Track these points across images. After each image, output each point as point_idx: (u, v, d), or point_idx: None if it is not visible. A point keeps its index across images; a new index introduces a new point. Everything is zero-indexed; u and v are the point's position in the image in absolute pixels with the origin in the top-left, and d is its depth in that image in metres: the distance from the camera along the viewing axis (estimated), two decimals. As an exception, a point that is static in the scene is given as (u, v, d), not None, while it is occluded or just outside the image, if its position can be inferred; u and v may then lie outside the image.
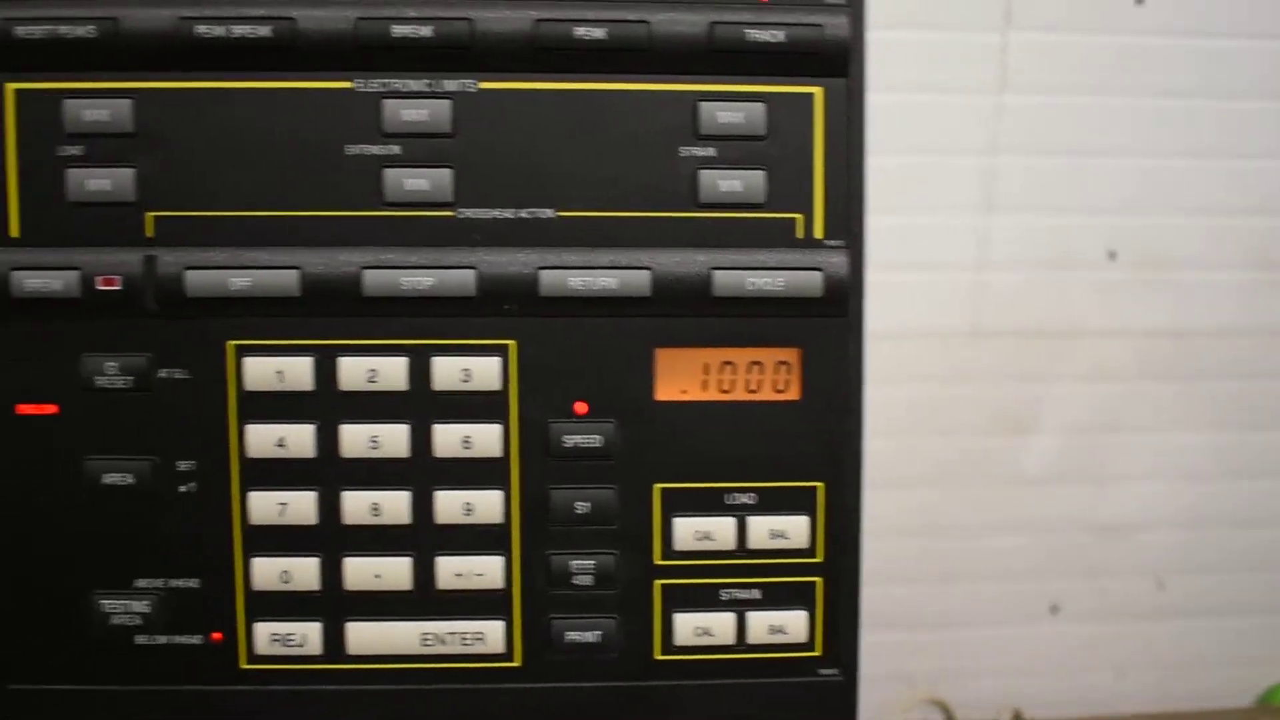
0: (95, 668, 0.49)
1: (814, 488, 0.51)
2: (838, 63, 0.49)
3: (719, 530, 0.50)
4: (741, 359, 0.50)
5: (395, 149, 0.48)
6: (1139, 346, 1.23)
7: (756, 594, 0.51)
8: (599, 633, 0.50)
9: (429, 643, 0.50)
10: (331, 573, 0.49)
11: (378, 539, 0.49)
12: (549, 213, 0.49)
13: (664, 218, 0.49)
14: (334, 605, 0.49)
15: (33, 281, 0.47)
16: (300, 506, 0.49)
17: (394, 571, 0.49)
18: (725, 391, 0.50)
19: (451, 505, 0.49)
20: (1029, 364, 1.22)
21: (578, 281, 0.49)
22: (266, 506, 0.49)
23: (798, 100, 0.49)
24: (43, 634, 0.49)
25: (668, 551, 0.50)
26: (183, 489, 0.49)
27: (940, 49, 1.16)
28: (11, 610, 0.49)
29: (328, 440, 0.49)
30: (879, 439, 0.67)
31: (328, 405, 0.49)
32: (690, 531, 0.50)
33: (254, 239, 0.48)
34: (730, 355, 0.50)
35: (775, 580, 0.51)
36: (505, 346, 0.49)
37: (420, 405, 0.49)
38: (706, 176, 0.49)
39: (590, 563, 0.50)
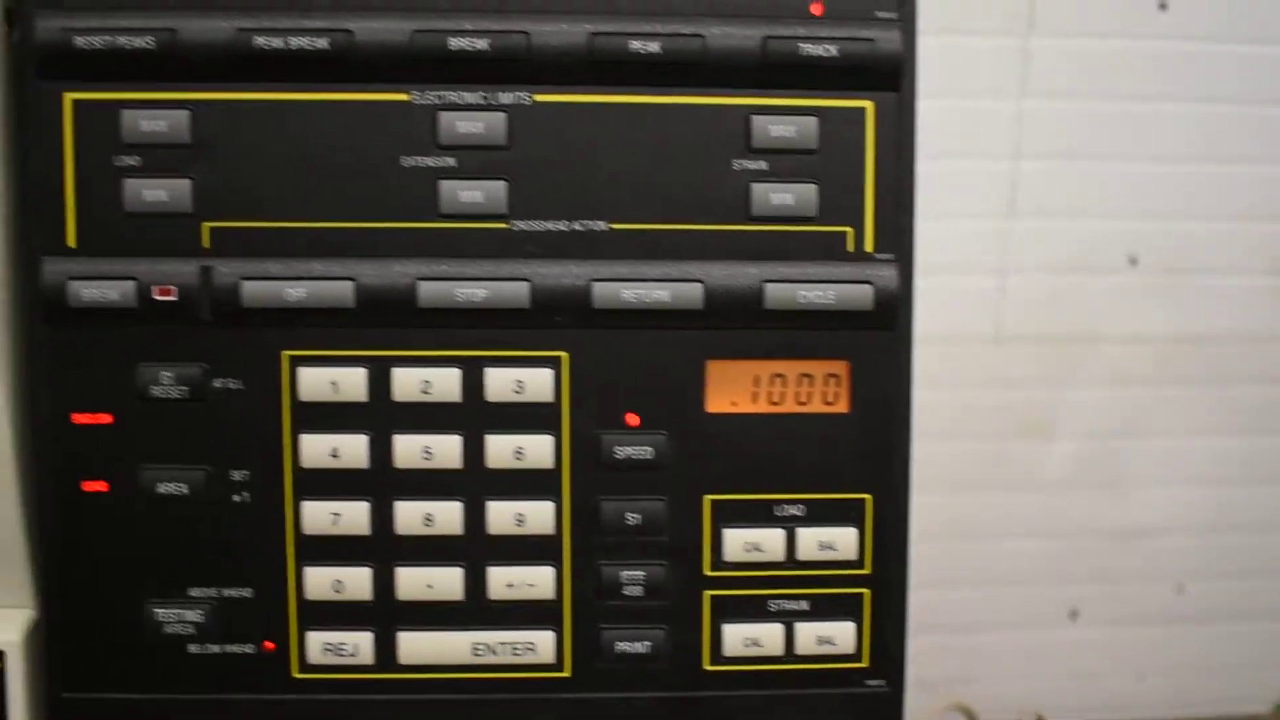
0: (148, 676, 0.50)
1: (862, 500, 0.51)
2: (889, 76, 0.49)
3: (768, 541, 0.51)
4: (791, 371, 0.50)
5: (450, 161, 0.48)
6: (1159, 351, 1.23)
7: (805, 605, 0.51)
8: (648, 643, 0.51)
9: (480, 652, 0.50)
10: (384, 582, 0.50)
11: (430, 549, 0.49)
12: (602, 225, 0.49)
13: (716, 230, 0.49)
14: (386, 615, 0.50)
15: (90, 291, 0.47)
16: (353, 516, 0.49)
17: (446, 581, 0.50)
18: (775, 403, 0.50)
19: (503, 516, 0.50)
20: (1050, 369, 1.22)
21: (630, 294, 0.49)
22: (320, 516, 0.49)
23: (849, 114, 0.49)
24: (96, 642, 0.50)
25: (717, 562, 0.51)
26: (236, 498, 0.49)
27: (963, 54, 1.16)
28: (66, 618, 0.49)
29: (381, 451, 0.49)
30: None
31: (381, 416, 0.49)
32: (740, 543, 0.51)
33: (309, 250, 0.48)
34: (780, 367, 0.50)
35: (823, 591, 0.51)
36: (558, 358, 0.49)
37: (473, 416, 0.49)
38: (759, 189, 0.49)
39: (640, 573, 0.50)
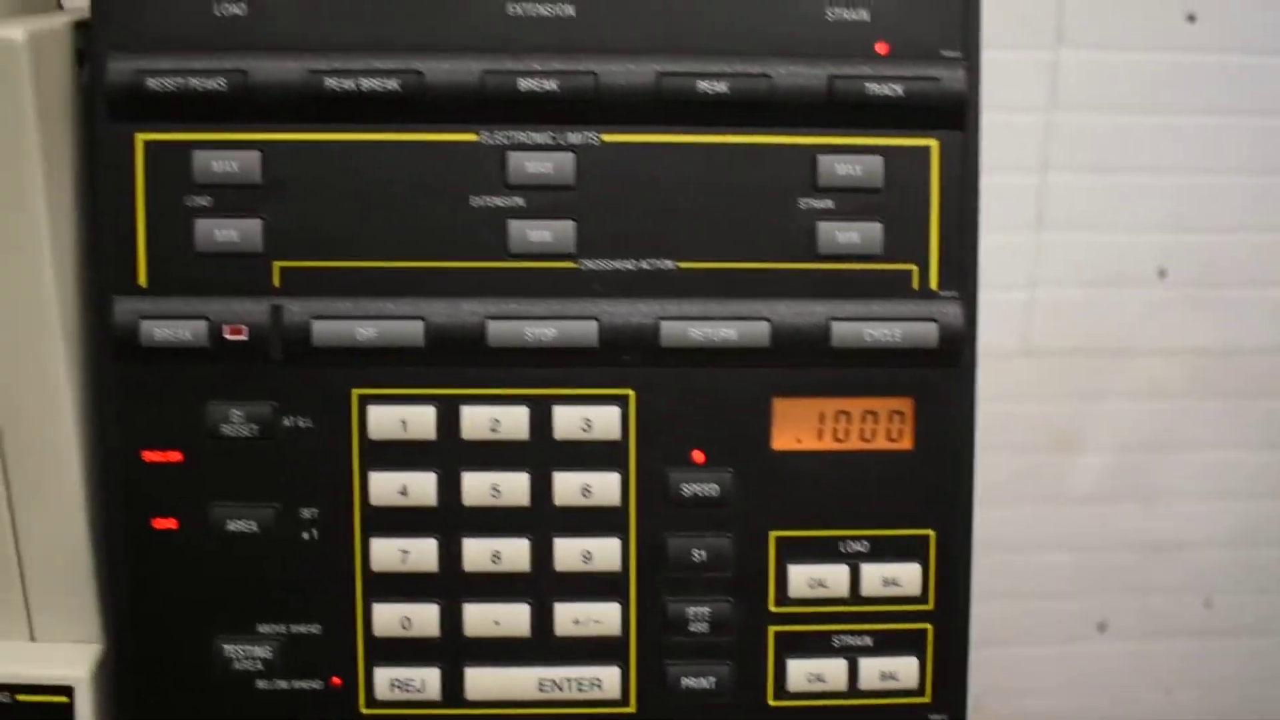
0: (216, 712, 0.50)
1: (926, 536, 0.51)
2: (954, 115, 0.50)
3: (833, 577, 0.51)
4: (856, 408, 0.51)
5: (519, 201, 0.48)
6: (1189, 364, 1.23)
7: (868, 640, 0.51)
8: (713, 679, 0.51)
9: (546, 688, 0.50)
10: (451, 619, 0.50)
11: (497, 586, 0.50)
12: (669, 264, 0.49)
13: (783, 269, 0.49)
14: (453, 651, 0.50)
15: (161, 331, 0.48)
16: (422, 553, 0.49)
17: (513, 618, 0.50)
18: (840, 440, 0.51)
19: (570, 553, 0.50)
20: (1079, 382, 1.22)
21: (698, 333, 0.49)
22: (388, 553, 0.49)
23: (914, 153, 0.50)
24: (166, 677, 0.50)
25: (782, 598, 0.51)
26: (305, 536, 0.49)
27: (992, 67, 1.16)
28: (134, 654, 0.50)
29: (449, 488, 0.49)
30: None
31: (450, 454, 0.49)
32: (804, 579, 0.51)
33: (379, 289, 0.48)
34: (845, 405, 0.51)
35: (887, 627, 0.51)
36: (625, 396, 0.50)
37: (541, 454, 0.49)
38: (825, 228, 0.49)
39: (705, 609, 0.51)
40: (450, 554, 0.49)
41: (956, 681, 0.52)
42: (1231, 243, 1.22)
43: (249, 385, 0.49)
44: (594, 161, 0.49)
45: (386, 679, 0.50)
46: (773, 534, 0.51)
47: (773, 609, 0.51)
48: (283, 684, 0.50)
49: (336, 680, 0.50)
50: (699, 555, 0.50)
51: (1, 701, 0.49)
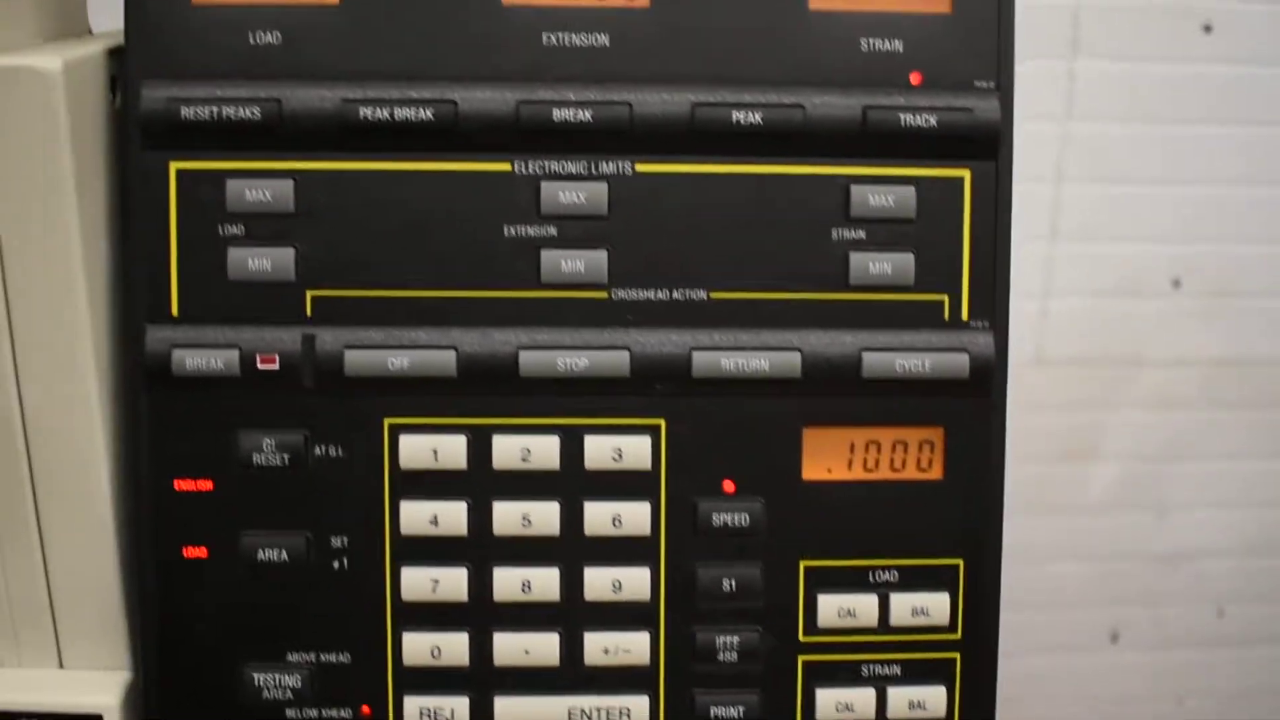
0: (247, 739, 0.50)
1: (955, 565, 0.51)
2: (987, 146, 0.49)
3: (862, 607, 0.51)
4: (886, 438, 0.51)
5: (552, 230, 0.48)
6: (1202, 375, 1.23)
7: (897, 670, 0.51)
8: (742, 708, 0.51)
9: (576, 717, 0.50)
10: (481, 648, 0.50)
11: (527, 615, 0.50)
12: (701, 294, 0.49)
13: (815, 299, 0.49)
14: (483, 680, 0.50)
15: (193, 360, 0.48)
16: (452, 583, 0.49)
17: (543, 647, 0.50)
18: (870, 470, 0.51)
19: (600, 582, 0.50)
20: (1092, 391, 1.22)
21: (729, 363, 0.49)
22: (419, 582, 0.49)
23: (947, 183, 0.49)
24: (195, 705, 0.50)
25: (811, 628, 0.51)
26: (336, 565, 0.49)
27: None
28: (164, 681, 0.50)
29: (480, 518, 0.49)
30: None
31: (481, 483, 0.49)
32: (834, 608, 0.51)
33: (411, 319, 0.48)
34: (876, 434, 0.51)
35: (915, 656, 0.51)
36: (656, 426, 0.49)
37: (572, 484, 0.49)
38: (857, 259, 0.49)
39: (735, 638, 0.51)
40: (480, 583, 0.49)
41: (984, 709, 0.52)
42: (1245, 253, 1.22)
43: (280, 414, 0.49)
44: (627, 191, 0.48)
45: (416, 708, 0.50)
46: (803, 563, 0.51)
47: (802, 638, 0.51)
48: (312, 713, 0.50)
49: (366, 709, 0.50)
50: (729, 585, 0.50)
51: (31, 729, 0.49)
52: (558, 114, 0.47)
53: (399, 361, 0.48)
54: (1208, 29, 1.18)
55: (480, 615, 0.50)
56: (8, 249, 0.47)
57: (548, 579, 0.50)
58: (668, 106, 0.48)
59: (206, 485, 0.49)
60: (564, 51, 0.48)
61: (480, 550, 0.49)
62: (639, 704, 0.51)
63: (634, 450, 0.49)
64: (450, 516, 0.49)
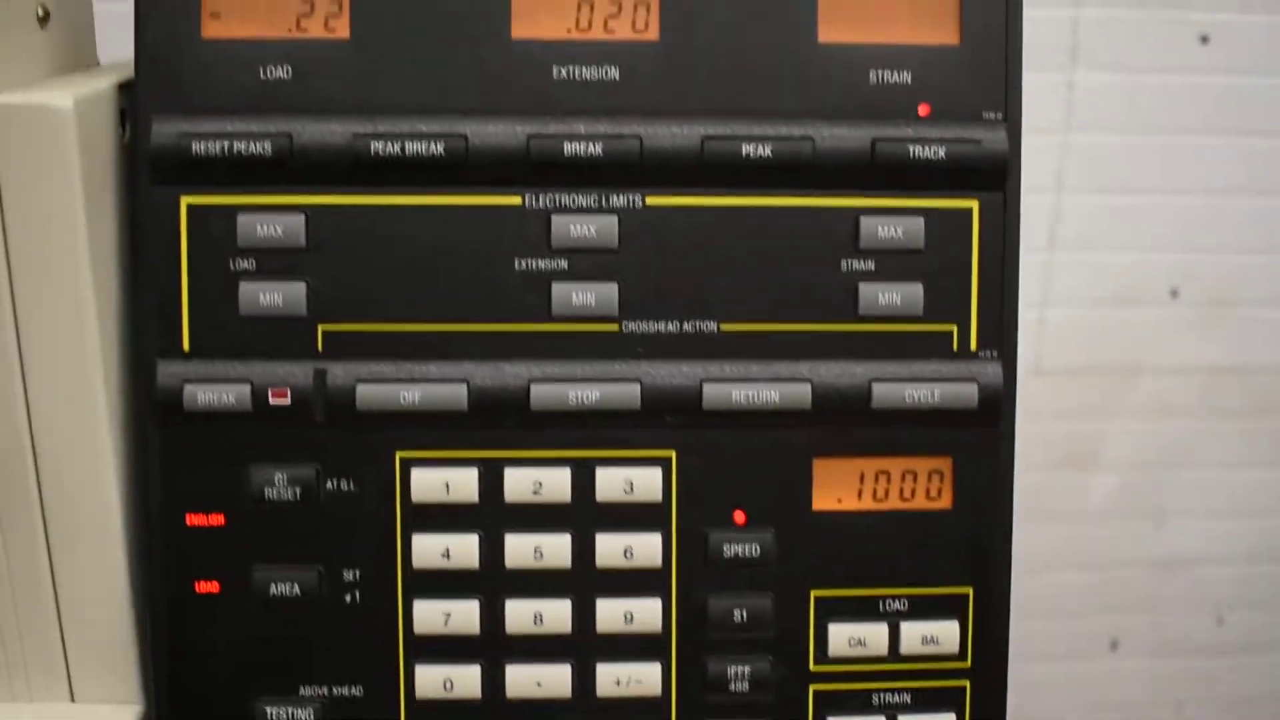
0: (258, 772, 0.50)
1: (964, 594, 0.51)
2: (995, 177, 0.50)
3: (872, 636, 0.51)
4: (896, 468, 0.51)
5: (563, 264, 0.48)
6: (1201, 383, 1.23)
7: (907, 698, 0.52)
8: None
9: (588, 748, 0.50)
10: (494, 681, 0.50)
11: (539, 647, 0.50)
12: (711, 326, 0.49)
13: (824, 330, 0.50)
14: (495, 712, 0.50)
15: (205, 395, 0.48)
16: (464, 616, 0.49)
17: (555, 679, 0.50)
18: (879, 500, 0.51)
19: (612, 614, 0.50)
20: (1091, 400, 1.23)
21: (740, 395, 0.49)
22: (431, 616, 0.49)
23: (956, 215, 0.50)
24: (208, 739, 0.50)
25: (822, 657, 0.51)
26: (348, 598, 0.49)
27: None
28: (176, 714, 0.50)
29: (492, 551, 0.49)
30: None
31: (492, 516, 0.49)
32: (845, 637, 0.51)
33: (422, 352, 0.48)
34: (885, 465, 0.51)
35: (925, 685, 0.52)
36: (667, 458, 0.50)
37: (583, 516, 0.49)
38: (867, 289, 0.49)
39: (746, 668, 0.51)
40: (493, 616, 0.49)
41: (994, 737, 0.52)
42: (1243, 263, 1.22)
43: (292, 448, 0.49)
44: (637, 224, 0.49)
45: (429, 740, 0.50)
46: (813, 593, 0.51)
47: (813, 668, 0.51)
48: (325, 745, 0.50)
49: (378, 741, 0.50)
50: (740, 615, 0.50)
51: (44, 763, 0.49)
52: (568, 147, 0.47)
53: (410, 395, 0.48)
54: (1205, 40, 1.18)
55: (492, 648, 0.50)
56: (19, 284, 0.47)
57: (559, 611, 0.50)
58: (677, 140, 0.48)
59: (218, 520, 0.49)
60: (574, 85, 0.48)
61: (492, 583, 0.49)
62: (651, 734, 0.51)
63: (645, 482, 0.50)
64: (462, 549, 0.49)
